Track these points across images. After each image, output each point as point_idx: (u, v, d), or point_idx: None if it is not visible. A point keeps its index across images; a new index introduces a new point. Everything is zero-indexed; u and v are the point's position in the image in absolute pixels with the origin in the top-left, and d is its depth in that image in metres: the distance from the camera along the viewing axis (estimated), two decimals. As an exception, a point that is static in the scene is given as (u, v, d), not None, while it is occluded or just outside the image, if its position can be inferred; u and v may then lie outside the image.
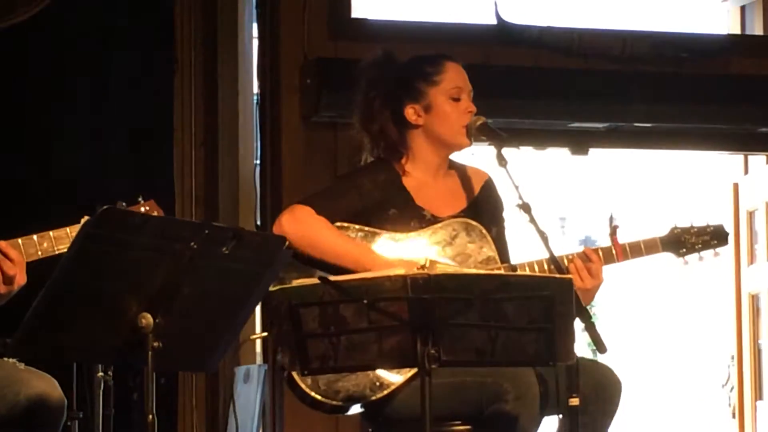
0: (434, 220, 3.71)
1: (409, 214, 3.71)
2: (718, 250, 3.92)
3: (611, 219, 3.88)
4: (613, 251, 3.76)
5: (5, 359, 3.24)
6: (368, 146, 3.81)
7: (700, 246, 3.89)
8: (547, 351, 3.02)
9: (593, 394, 3.51)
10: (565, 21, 6.68)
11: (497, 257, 3.70)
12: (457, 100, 3.74)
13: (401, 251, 3.66)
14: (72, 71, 5.74)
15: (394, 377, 3.51)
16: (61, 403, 3.23)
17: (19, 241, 3.29)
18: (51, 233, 3.33)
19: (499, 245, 3.75)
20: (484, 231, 3.72)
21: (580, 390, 3.31)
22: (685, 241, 3.88)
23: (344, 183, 3.80)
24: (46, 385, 3.21)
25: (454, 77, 3.76)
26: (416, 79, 3.75)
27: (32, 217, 4.95)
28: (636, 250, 3.81)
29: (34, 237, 3.32)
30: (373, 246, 3.65)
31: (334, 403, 3.52)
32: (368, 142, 3.80)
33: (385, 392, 3.51)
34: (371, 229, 3.67)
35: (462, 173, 3.85)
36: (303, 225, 3.59)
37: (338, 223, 3.65)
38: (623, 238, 3.81)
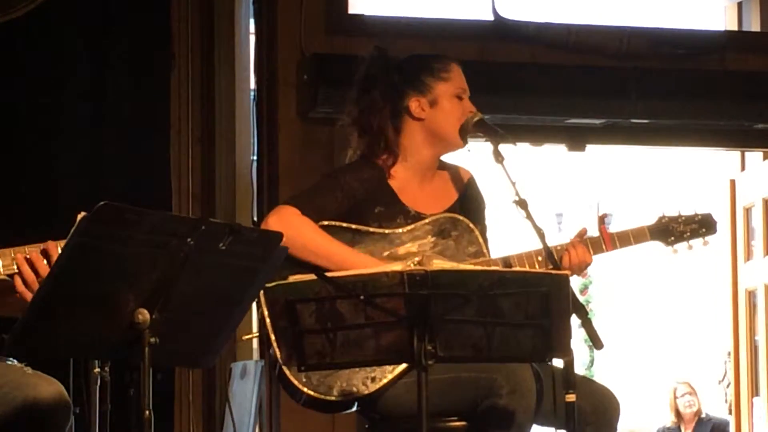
0: (419, 217, 3.72)
1: (394, 211, 3.71)
2: (707, 238, 3.92)
3: (599, 208, 3.89)
4: (602, 241, 3.76)
5: (13, 363, 3.23)
6: (354, 144, 3.80)
7: (688, 234, 3.89)
8: (544, 347, 3.03)
9: (592, 417, 3.51)
10: (562, 17, 6.68)
11: (485, 251, 3.71)
12: (460, 99, 3.77)
13: (390, 248, 3.66)
14: (69, 68, 5.74)
15: (387, 371, 3.50)
16: (67, 407, 3.22)
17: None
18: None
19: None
20: (471, 225, 3.73)
21: (581, 411, 3.30)
22: (673, 230, 3.87)
23: (329, 182, 3.77)
24: (53, 390, 3.19)
25: (459, 77, 3.81)
26: (423, 72, 3.77)
27: (30, 216, 4.99)
28: (624, 239, 3.81)
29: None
30: (362, 244, 3.65)
31: (329, 398, 3.51)
32: (358, 140, 3.79)
33: (379, 386, 3.51)
34: (359, 227, 3.67)
35: (450, 173, 3.87)
36: (289, 226, 3.52)
37: (327, 222, 3.64)
38: (613, 228, 3.81)
